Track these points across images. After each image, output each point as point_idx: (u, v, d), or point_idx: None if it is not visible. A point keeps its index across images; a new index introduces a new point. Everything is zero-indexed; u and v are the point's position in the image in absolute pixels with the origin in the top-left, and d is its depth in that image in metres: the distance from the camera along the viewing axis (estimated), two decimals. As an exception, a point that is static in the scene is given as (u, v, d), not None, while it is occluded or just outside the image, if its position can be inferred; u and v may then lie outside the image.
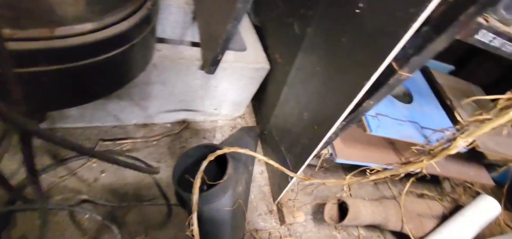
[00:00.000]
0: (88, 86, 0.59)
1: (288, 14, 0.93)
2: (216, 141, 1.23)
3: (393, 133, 0.92)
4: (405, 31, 0.54)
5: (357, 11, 0.62)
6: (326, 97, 0.76)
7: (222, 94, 1.12)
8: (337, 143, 1.01)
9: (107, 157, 0.57)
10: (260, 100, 1.28)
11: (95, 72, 0.57)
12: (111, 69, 0.61)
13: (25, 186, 0.81)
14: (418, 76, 1.35)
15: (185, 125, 1.19)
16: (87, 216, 0.87)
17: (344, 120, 0.78)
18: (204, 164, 0.78)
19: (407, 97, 1.16)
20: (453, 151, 0.56)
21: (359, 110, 0.78)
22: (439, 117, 1.12)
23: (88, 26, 0.53)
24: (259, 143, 1.29)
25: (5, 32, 0.44)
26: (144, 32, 0.68)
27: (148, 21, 0.68)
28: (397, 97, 1.09)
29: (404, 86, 1.20)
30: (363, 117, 0.90)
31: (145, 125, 1.12)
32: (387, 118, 0.94)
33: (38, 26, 0.49)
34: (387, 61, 0.60)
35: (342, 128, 0.84)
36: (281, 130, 1.06)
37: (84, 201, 0.89)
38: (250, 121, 1.37)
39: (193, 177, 0.80)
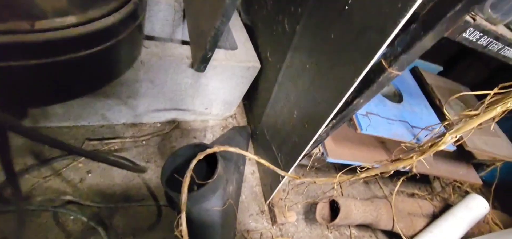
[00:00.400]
0: (70, 83, 0.57)
1: (278, 12, 0.92)
2: (207, 141, 1.21)
3: (383, 132, 0.92)
4: (394, 27, 0.54)
5: (345, 7, 0.62)
6: (316, 95, 0.76)
7: (213, 93, 1.10)
8: (328, 142, 1.01)
9: (86, 153, 0.56)
10: (252, 99, 1.28)
11: (78, 68, 0.55)
12: (95, 65, 0.59)
13: (4, 187, 0.78)
14: (408, 76, 1.36)
15: (175, 124, 1.17)
16: (72, 217, 0.84)
17: (334, 118, 0.78)
18: (193, 162, 0.77)
19: (397, 97, 1.16)
20: (442, 147, 0.56)
21: (350, 108, 0.78)
22: (429, 117, 1.12)
23: (70, 19, 0.51)
24: (250, 143, 1.28)
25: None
26: (130, 27, 0.66)
27: (135, 17, 0.67)
28: (388, 97, 1.09)
29: (395, 86, 1.21)
30: (353, 116, 0.90)
31: (134, 124, 1.10)
32: (377, 117, 0.94)
33: (17, 19, 0.47)
34: (376, 58, 0.59)
35: (332, 126, 0.84)
36: (272, 129, 1.05)
37: (69, 202, 0.86)
38: (242, 121, 1.36)
39: (183, 177, 0.78)
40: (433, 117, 1.14)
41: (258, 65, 1.06)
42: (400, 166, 0.66)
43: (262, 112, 1.11)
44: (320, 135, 0.81)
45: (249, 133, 1.26)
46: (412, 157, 0.62)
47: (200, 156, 0.79)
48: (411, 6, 0.51)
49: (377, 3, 0.56)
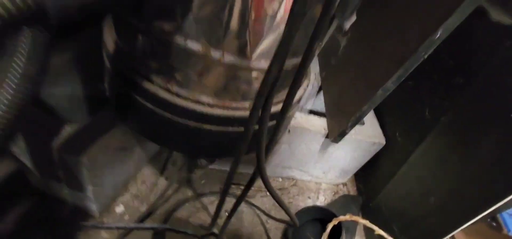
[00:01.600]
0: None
1: (417, 98, 0.98)
2: (319, 202, 1.28)
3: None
4: None
5: (512, 115, 0.65)
6: (463, 190, 0.76)
7: (334, 161, 1.19)
8: (459, 235, 0.95)
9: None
10: (368, 171, 1.31)
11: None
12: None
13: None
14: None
15: (293, 182, 1.29)
16: (212, 248, 1.00)
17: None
18: (328, 229, 0.85)
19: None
20: None
21: (499, 207, 0.75)
22: None
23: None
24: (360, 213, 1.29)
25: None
26: (295, 107, 0.83)
27: (300, 99, 0.83)
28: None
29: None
30: (499, 215, 0.85)
31: (261, 176, 1.26)
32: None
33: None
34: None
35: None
36: (394, 208, 1.06)
37: (212, 233, 1.03)
38: (351, 189, 1.39)
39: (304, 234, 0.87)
40: None
41: (383, 142, 1.11)
42: None
43: (382, 188, 1.13)
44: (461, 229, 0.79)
45: (360, 204, 1.28)
46: None
47: (335, 221, 0.86)
48: None
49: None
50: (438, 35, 0.67)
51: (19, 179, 0.79)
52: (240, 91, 0.62)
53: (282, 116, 0.48)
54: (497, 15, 0.66)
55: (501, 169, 0.67)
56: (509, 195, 0.65)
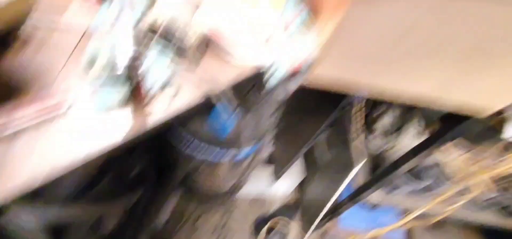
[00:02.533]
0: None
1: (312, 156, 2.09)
2: (274, 208, 2.40)
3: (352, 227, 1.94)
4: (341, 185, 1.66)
5: (319, 169, 1.76)
6: (319, 199, 1.88)
7: (282, 184, 2.31)
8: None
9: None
10: (300, 188, 2.42)
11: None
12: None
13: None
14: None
15: (258, 197, 2.41)
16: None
17: (326, 213, 1.88)
18: (265, 227, 1.97)
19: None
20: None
21: (336, 213, 1.87)
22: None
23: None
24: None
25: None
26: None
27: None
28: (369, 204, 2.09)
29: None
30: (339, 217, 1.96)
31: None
32: (353, 220, 1.97)
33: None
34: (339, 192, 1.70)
35: (328, 217, 1.93)
36: (305, 208, 2.18)
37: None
38: (295, 197, 2.50)
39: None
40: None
41: (302, 177, 2.22)
42: None
43: (302, 198, 2.26)
44: (320, 220, 1.91)
45: (297, 207, 2.40)
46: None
47: (268, 224, 1.98)
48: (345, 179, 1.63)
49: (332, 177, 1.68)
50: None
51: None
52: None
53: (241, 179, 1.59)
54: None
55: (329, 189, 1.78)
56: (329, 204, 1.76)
